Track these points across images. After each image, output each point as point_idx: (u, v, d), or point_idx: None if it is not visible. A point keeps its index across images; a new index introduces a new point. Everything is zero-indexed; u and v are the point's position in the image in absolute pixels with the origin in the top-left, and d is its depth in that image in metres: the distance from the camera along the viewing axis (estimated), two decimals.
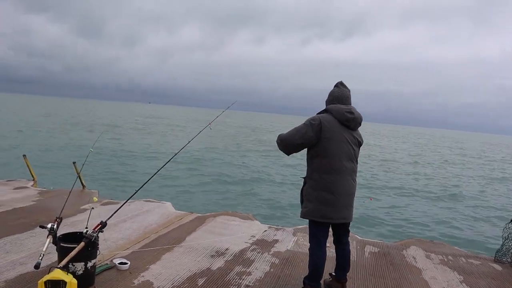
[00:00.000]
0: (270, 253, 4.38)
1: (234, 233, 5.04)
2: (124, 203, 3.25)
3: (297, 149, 3.17)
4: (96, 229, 2.97)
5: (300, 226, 5.68)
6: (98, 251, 3.08)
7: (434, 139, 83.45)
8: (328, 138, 3.03)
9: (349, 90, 3.24)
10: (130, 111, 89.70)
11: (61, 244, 2.92)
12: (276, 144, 3.24)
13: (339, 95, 3.20)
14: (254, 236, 4.96)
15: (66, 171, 12.23)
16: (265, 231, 5.26)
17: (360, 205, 11.45)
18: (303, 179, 3.25)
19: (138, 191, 3.35)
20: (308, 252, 3.17)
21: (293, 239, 4.95)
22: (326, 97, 3.27)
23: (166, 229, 4.96)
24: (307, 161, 3.19)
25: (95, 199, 3.27)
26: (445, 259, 4.63)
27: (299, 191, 3.27)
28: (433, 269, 4.27)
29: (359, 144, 3.22)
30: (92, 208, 3.26)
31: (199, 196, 11.28)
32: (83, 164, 3.94)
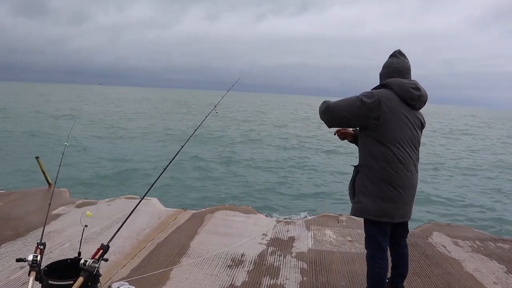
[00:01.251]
0: (293, 255, 3.78)
1: (242, 232, 4.39)
2: (128, 217, 2.46)
3: (339, 123, 2.63)
4: (97, 257, 2.18)
5: (309, 218, 5.13)
6: (99, 283, 2.30)
7: None
8: (390, 120, 2.42)
9: (408, 61, 2.62)
10: (83, 94, 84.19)
11: (50, 282, 2.12)
12: (319, 111, 2.63)
13: (399, 66, 2.57)
14: (266, 235, 4.33)
15: (24, 168, 10.85)
16: (275, 226, 4.65)
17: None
18: (354, 167, 2.64)
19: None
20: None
21: (309, 235, 4.38)
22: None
23: (162, 234, 4.20)
24: (361, 146, 2.57)
25: (89, 213, 2.45)
26: (475, 245, 4.28)
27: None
28: (470, 259, 3.88)
29: (422, 126, 2.63)
30: (86, 226, 2.45)
31: (183, 187, 10.27)
32: (59, 164, 3.06)
